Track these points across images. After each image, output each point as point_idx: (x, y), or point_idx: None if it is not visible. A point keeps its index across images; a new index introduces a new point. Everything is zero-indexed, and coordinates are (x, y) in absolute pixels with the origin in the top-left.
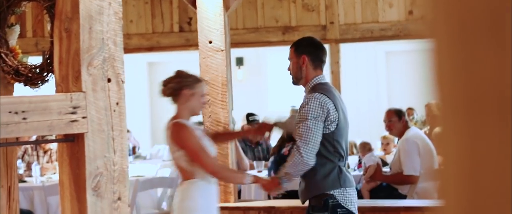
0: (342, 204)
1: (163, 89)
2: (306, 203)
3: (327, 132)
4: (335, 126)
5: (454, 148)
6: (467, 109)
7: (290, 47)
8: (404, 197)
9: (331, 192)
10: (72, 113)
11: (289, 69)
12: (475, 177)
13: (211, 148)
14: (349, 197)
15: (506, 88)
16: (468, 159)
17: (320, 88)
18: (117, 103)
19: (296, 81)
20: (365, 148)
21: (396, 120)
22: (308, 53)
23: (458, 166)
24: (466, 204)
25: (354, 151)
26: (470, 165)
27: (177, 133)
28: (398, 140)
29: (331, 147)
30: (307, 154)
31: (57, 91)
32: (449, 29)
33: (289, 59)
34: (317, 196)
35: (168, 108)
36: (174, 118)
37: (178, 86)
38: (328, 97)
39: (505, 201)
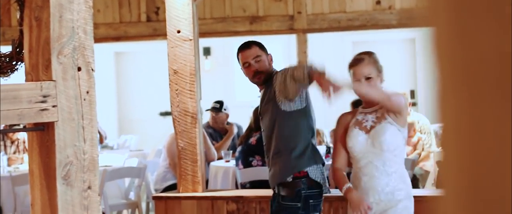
0: (318, 182)
1: None
2: (270, 192)
3: (301, 107)
4: (306, 102)
5: (454, 116)
6: (466, 78)
7: (250, 47)
8: None
9: (307, 169)
10: (42, 102)
11: (254, 68)
12: (475, 144)
13: None
14: (322, 173)
15: (504, 56)
16: (467, 127)
17: None
18: (87, 92)
19: (267, 78)
20: None
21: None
22: (269, 53)
23: (458, 133)
24: (466, 173)
25: (324, 139)
26: (470, 132)
27: None
28: None
29: (305, 122)
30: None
31: (27, 80)
32: (448, 4)
33: (254, 58)
34: (287, 185)
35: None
36: None
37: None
38: None
39: (504, 169)
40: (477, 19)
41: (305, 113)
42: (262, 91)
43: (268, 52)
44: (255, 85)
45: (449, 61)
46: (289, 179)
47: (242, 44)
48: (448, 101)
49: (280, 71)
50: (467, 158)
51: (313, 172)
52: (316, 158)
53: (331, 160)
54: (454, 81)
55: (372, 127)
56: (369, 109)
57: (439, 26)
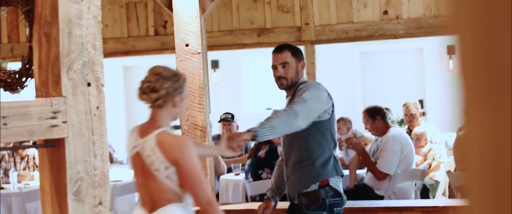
0: (339, 191)
1: (150, 96)
2: (282, 204)
3: (325, 118)
4: (331, 113)
5: (478, 126)
6: (488, 87)
7: (282, 52)
8: (381, 197)
9: (329, 179)
10: (53, 118)
11: (279, 73)
12: (498, 150)
13: None
14: (341, 184)
15: None
16: (491, 133)
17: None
18: (97, 108)
19: (290, 86)
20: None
21: (371, 121)
22: (303, 59)
23: (482, 140)
24: (490, 180)
25: None
26: (493, 142)
27: (177, 147)
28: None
29: (329, 134)
30: (302, 112)
31: (37, 96)
32: (472, 13)
33: (282, 63)
34: (310, 194)
35: (144, 112)
36: (155, 125)
37: (171, 91)
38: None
39: None
40: (500, 28)
41: (330, 123)
42: (288, 97)
43: (302, 59)
44: (281, 91)
45: (472, 70)
46: (314, 187)
47: (277, 46)
48: (472, 111)
49: (307, 84)
50: (490, 167)
51: (334, 181)
52: (337, 169)
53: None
54: (477, 91)
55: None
56: None
57: (463, 35)
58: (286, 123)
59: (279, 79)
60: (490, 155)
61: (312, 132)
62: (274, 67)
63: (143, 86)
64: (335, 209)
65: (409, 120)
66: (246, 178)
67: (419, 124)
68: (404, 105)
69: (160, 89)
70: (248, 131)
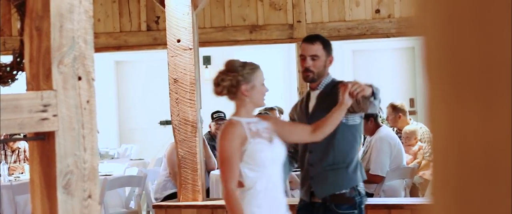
0: (361, 190)
1: (216, 89)
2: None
3: (358, 122)
4: (361, 117)
5: (443, 118)
6: (453, 85)
7: (313, 43)
8: (371, 195)
9: (358, 184)
10: (43, 111)
11: (308, 65)
12: (461, 145)
13: (271, 150)
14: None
15: (487, 68)
16: (455, 128)
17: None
18: (88, 102)
19: (316, 79)
20: None
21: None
22: (332, 54)
23: (446, 134)
24: (453, 175)
25: None
26: (457, 133)
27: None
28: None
29: (359, 138)
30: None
31: (27, 89)
32: (438, 23)
33: (312, 55)
34: (340, 196)
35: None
36: (233, 115)
37: (234, 83)
38: None
39: (490, 170)
40: (464, 30)
41: (360, 128)
42: (316, 93)
43: (331, 53)
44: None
45: (438, 69)
46: (346, 190)
47: (309, 36)
48: (437, 107)
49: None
50: (453, 160)
51: (361, 186)
52: (362, 174)
53: None
54: (442, 88)
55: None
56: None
57: (429, 36)
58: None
59: (306, 71)
60: (454, 151)
61: (347, 136)
62: (303, 57)
63: (213, 82)
64: (362, 206)
65: (391, 120)
66: None
67: (408, 122)
68: (389, 106)
69: (222, 82)
70: (370, 85)
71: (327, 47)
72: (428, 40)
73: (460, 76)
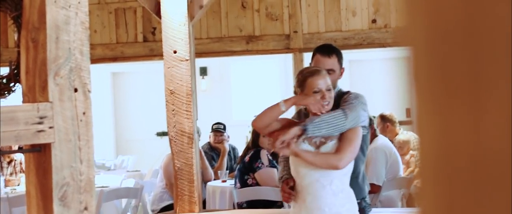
0: (367, 199)
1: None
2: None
3: (365, 133)
4: (367, 129)
5: (431, 126)
6: (441, 93)
7: (330, 56)
8: None
9: (366, 196)
10: (39, 123)
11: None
12: (450, 152)
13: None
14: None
15: (475, 75)
16: (443, 135)
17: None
18: (84, 113)
19: None
20: None
21: None
22: (343, 66)
23: (434, 141)
24: (442, 182)
25: None
26: (445, 140)
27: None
28: None
29: (366, 149)
30: (351, 114)
31: (24, 101)
32: (425, 30)
33: (328, 69)
34: None
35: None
36: None
37: (296, 90)
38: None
39: (479, 177)
40: (452, 36)
41: (366, 138)
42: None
43: (342, 65)
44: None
45: (426, 77)
46: (357, 201)
47: (324, 47)
48: (425, 114)
49: (354, 94)
50: (442, 168)
51: (367, 197)
52: (367, 184)
53: None
54: (431, 96)
55: (322, 143)
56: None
57: (416, 44)
58: (335, 118)
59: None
60: (443, 159)
61: None
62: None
63: None
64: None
65: (381, 130)
66: (235, 183)
67: (397, 133)
68: (379, 116)
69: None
70: (298, 126)
71: (341, 60)
72: (416, 48)
73: (448, 83)
